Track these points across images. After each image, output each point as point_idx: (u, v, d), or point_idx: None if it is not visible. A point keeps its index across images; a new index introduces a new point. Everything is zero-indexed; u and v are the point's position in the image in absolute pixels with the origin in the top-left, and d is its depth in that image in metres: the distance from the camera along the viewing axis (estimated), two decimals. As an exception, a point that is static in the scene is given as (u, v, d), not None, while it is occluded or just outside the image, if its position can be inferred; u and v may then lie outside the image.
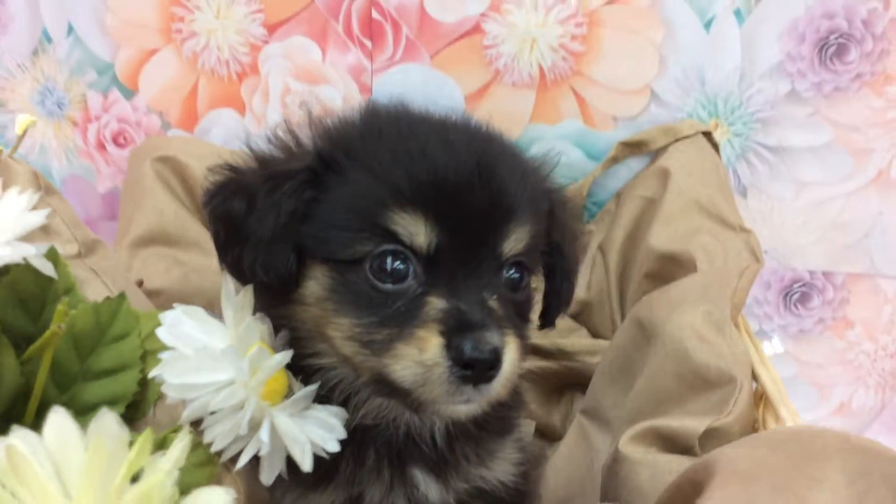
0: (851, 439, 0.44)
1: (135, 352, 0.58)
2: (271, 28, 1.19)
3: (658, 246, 0.95)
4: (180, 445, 0.44)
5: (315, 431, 0.58)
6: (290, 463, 0.61)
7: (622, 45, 1.14)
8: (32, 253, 0.54)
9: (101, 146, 1.26)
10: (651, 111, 1.15)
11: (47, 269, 0.57)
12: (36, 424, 0.41)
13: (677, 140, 1.09)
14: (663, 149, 1.09)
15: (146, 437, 0.43)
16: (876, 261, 1.16)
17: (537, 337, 1.03)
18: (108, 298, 0.58)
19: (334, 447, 0.58)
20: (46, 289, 0.58)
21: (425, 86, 1.19)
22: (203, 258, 0.97)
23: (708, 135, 1.09)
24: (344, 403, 0.61)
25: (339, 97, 1.20)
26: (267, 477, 0.59)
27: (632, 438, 0.71)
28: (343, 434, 0.59)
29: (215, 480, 0.61)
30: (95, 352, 0.57)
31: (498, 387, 0.56)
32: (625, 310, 1.01)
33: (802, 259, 1.18)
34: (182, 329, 0.56)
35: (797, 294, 1.18)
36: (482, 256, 0.59)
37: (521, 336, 0.61)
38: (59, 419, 0.42)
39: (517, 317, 0.62)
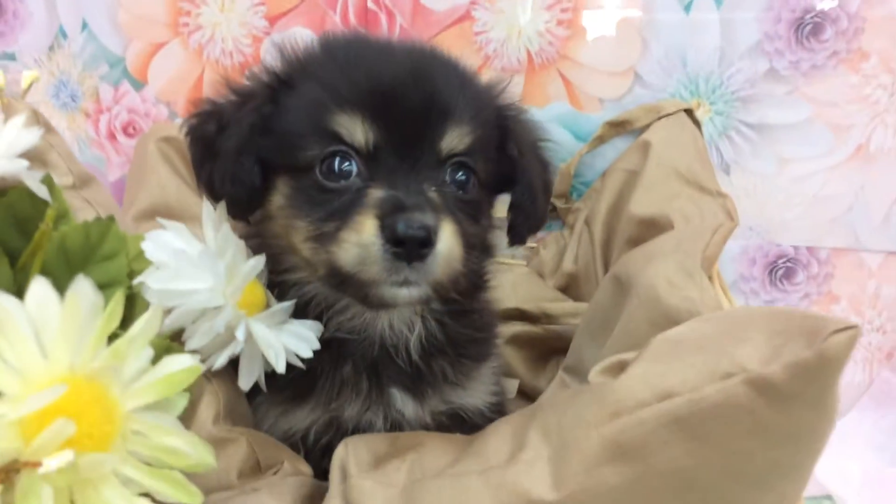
0: (776, 309, 0.47)
1: (122, 270, 0.61)
2: (272, 20, 1.23)
3: (638, 212, 0.97)
4: (151, 313, 0.47)
5: (290, 340, 0.61)
6: (270, 380, 0.65)
7: (606, 29, 1.15)
8: (26, 166, 0.58)
9: (112, 136, 1.31)
10: (635, 92, 1.17)
11: (42, 192, 0.61)
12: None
13: (660, 118, 1.10)
14: (647, 127, 1.11)
15: (118, 300, 0.46)
16: (859, 235, 1.16)
17: (522, 302, 1.05)
18: (98, 219, 0.61)
19: (307, 353, 0.61)
20: (41, 211, 0.61)
21: None
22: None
23: (689, 112, 1.10)
24: (318, 318, 0.64)
25: None
26: (245, 382, 0.62)
27: (600, 371, 0.72)
28: (316, 344, 0.62)
29: (196, 391, 0.65)
30: (85, 269, 0.60)
31: (434, 267, 0.58)
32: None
33: (786, 234, 1.17)
34: (165, 240, 0.60)
35: (782, 269, 1.18)
36: (420, 153, 0.62)
37: (465, 230, 0.63)
38: (39, 287, 0.46)
39: (464, 215, 0.65)
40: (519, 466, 0.47)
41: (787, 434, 0.42)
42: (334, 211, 0.61)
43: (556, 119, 1.19)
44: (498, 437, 0.53)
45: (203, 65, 1.25)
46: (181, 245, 0.60)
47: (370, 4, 1.19)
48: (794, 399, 0.41)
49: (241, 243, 0.63)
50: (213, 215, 0.63)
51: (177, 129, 1.15)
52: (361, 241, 0.57)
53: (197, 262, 0.58)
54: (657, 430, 0.43)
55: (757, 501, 0.45)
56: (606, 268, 1.05)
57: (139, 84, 1.28)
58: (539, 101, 1.19)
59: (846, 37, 1.10)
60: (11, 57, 1.30)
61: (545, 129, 0.81)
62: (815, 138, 1.15)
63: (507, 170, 0.71)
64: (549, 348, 1.02)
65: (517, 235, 0.76)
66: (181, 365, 0.47)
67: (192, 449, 0.45)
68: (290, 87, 0.65)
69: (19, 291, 0.57)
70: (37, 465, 0.40)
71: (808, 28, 1.10)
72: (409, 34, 1.19)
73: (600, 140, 1.16)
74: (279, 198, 0.64)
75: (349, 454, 0.56)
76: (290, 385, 0.66)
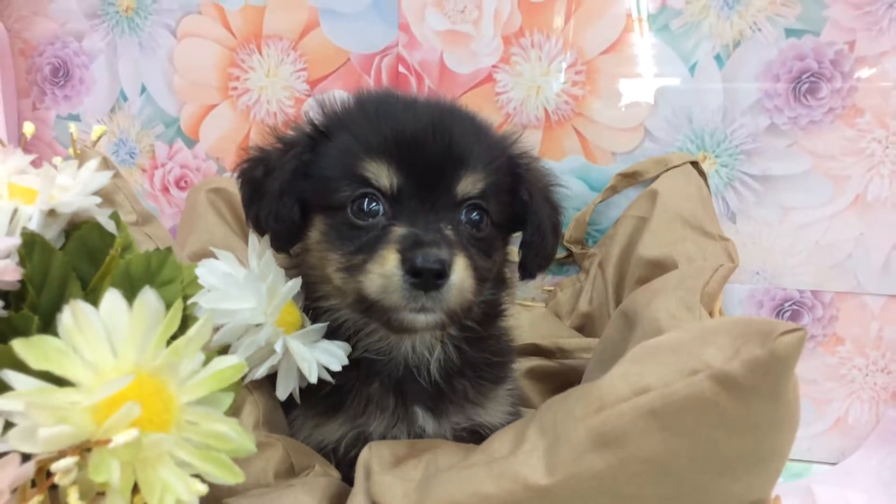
0: (740, 318, 0.52)
1: (177, 293, 0.68)
2: (313, 83, 1.32)
3: (646, 254, 1.03)
4: (204, 319, 0.54)
5: (322, 356, 0.68)
6: (305, 396, 0.71)
7: (617, 88, 1.22)
8: (98, 202, 0.66)
9: (166, 189, 1.41)
10: (645, 146, 1.22)
11: (110, 226, 0.69)
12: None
13: (668, 169, 1.16)
14: (655, 177, 1.16)
15: (177, 308, 0.53)
16: (861, 279, 1.18)
17: (539, 338, 1.11)
18: (157, 249, 0.69)
19: (337, 367, 0.68)
20: (108, 243, 0.69)
21: None
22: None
23: (695, 164, 1.16)
24: (348, 340, 0.71)
25: None
26: (282, 392, 0.68)
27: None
28: (345, 360, 0.69)
29: (239, 400, 0.71)
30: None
31: (448, 296, 0.64)
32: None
33: (791, 279, 1.20)
34: (215, 266, 0.67)
35: (788, 312, 1.21)
36: (438, 196, 0.68)
37: (478, 264, 0.69)
38: (111, 297, 0.53)
39: (477, 251, 0.70)
40: (519, 457, 0.53)
41: (748, 424, 0.47)
42: (363, 245, 0.67)
43: (572, 171, 1.25)
44: (503, 436, 0.59)
45: (250, 124, 1.35)
46: (229, 270, 0.67)
47: (401, 69, 1.28)
48: (752, 392, 0.46)
49: (281, 271, 0.70)
50: (257, 245, 0.71)
51: (225, 181, 1.25)
52: (385, 272, 0.63)
53: (242, 284, 0.65)
54: (635, 421, 0.48)
55: (725, 490, 0.50)
56: (617, 306, 1.10)
57: (191, 142, 1.38)
58: (556, 155, 1.26)
59: (841, 94, 1.15)
60: (76, 118, 1.42)
61: (556, 176, 0.85)
62: (815, 188, 1.18)
63: (519, 211, 0.77)
64: (564, 381, 1.07)
65: (528, 271, 0.80)
66: (228, 363, 0.54)
67: (236, 435, 0.51)
68: (327, 138, 0.73)
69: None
70: (107, 442, 0.47)
71: (805, 86, 1.16)
72: (437, 94, 1.27)
73: (613, 190, 1.22)
74: (316, 233, 0.71)
75: (372, 456, 0.62)
76: (323, 401, 0.72)
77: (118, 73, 1.38)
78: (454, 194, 0.70)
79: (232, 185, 1.21)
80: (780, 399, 0.47)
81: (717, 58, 1.19)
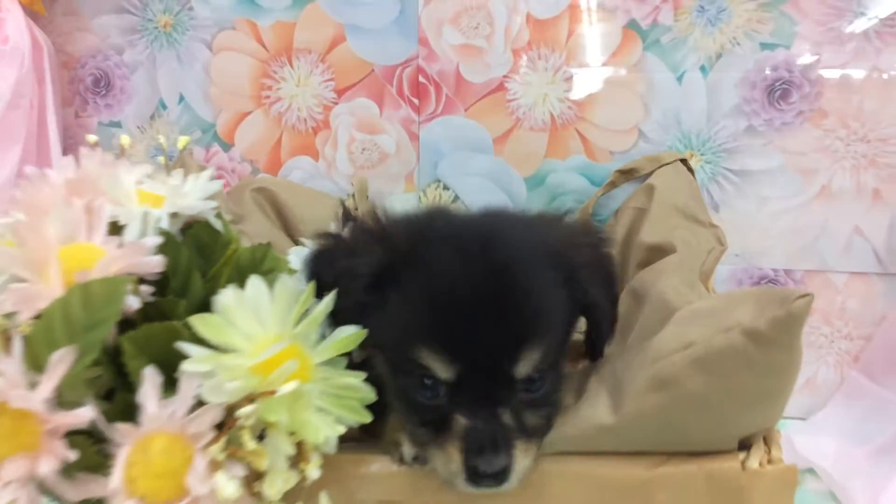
0: (761, 288, 0.64)
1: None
2: (340, 92, 1.40)
3: (647, 241, 1.13)
4: (327, 299, 0.65)
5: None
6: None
7: (614, 96, 1.33)
8: (214, 206, 0.76)
9: (203, 189, 1.49)
10: (640, 146, 1.33)
11: (218, 225, 0.79)
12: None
13: (661, 166, 1.27)
14: (650, 173, 1.28)
15: (310, 291, 0.64)
16: (826, 259, 1.30)
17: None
18: (259, 244, 0.79)
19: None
20: (216, 239, 0.73)
21: (461, 132, 1.37)
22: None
23: (684, 161, 1.27)
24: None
25: (394, 144, 1.40)
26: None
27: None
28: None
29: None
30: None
31: (514, 481, 0.62)
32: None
33: (767, 259, 1.32)
34: (304, 251, 0.78)
35: None
36: (497, 380, 0.64)
37: (539, 428, 0.66)
38: (255, 281, 0.63)
39: (539, 410, 0.66)
40: (587, 404, 0.65)
41: (769, 368, 0.59)
42: (426, 423, 0.65)
43: (575, 169, 1.36)
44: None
45: (281, 130, 1.44)
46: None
47: (421, 79, 1.38)
48: (773, 343, 0.58)
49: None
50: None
51: (266, 181, 1.33)
52: (450, 469, 0.62)
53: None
54: (684, 368, 0.60)
55: (749, 419, 0.62)
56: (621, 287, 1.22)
57: (227, 146, 1.46)
58: (561, 155, 1.35)
59: (809, 99, 1.27)
60: (118, 125, 1.49)
61: (606, 245, 0.80)
62: (787, 181, 1.30)
63: (578, 307, 0.72)
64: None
65: (596, 351, 0.77)
66: (348, 332, 0.64)
67: (362, 384, 0.62)
68: (391, 284, 0.67)
69: (207, 297, 0.73)
70: (272, 392, 0.57)
71: (778, 93, 1.28)
72: (453, 102, 1.37)
73: (612, 185, 1.33)
74: (380, 363, 0.68)
75: None
76: None
77: (157, 84, 1.46)
78: (511, 376, 0.65)
79: (273, 185, 1.30)
80: (793, 348, 0.59)
81: (702, 68, 1.30)
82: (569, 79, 1.34)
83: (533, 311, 0.66)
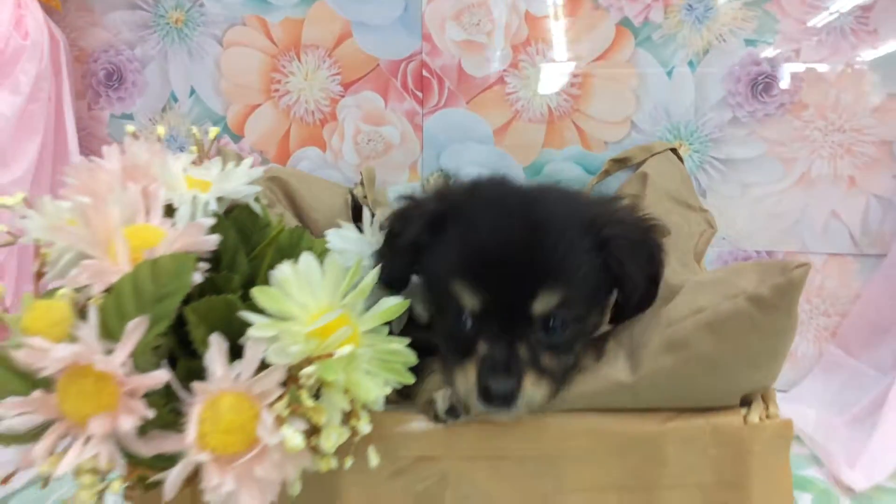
0: (763, 260, 0.70)
1: (314, 259, 0.84)
2: (346, 86, 1.44)
3: None
4: (372, 273, 0.70)
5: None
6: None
7: (608, 89, 1.38)
8: (258, 190, 0.81)
9: (214, 179, 1.53)
10: (632, 136, 1.38)
11: (257, 208, 0.84)
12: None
13: (652, 155, 1.32)
14: (642, 162, 1.33)
15: (357, 267, 0.69)
16: (805, 241, 1.36)
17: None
18: (297, 226, 0.85)
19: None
20: (255, 222, 0.78)
21: (463, 124, 1.41)
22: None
23: (674, 150, 1.33)
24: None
25: (398, 135, 1.45)
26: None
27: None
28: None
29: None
30: (292, 258, 0.83)
31: (522, 409, 0.68)
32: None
33: (750, 242, 1.38)
34: (342, 234, 0.83)
35: None
36: (516, 316, 0.70)
37: (552, 367, 0.70)
38: (307, 257, 0.68)
39: (555, 355, 0.71)
40: (606, 364, 0.71)
41: (771, 330, 0.66)
42: (456, 348, 0.72)
43: (571, 158, 1.41)
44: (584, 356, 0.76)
45: (290, 121, 1.48)
46: (350, 235, 0.84)
47: (424, 73, 1.42)
48: (775, 308, 0.64)
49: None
50: (370, 220, 0.86)
51: (278, 171, 1.37)
52: (467, 387, 0.69)
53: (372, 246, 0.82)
54: (694, 332, 0.66)
55: (751, 377, 0.69)
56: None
57: (237, 137, 1.49)
58: (558, 145, 1.41)
59: (789, 92, 1.33)
60: (129, 117, 1.52)
61: (650, 228, 0.82)
62: (769, 169, 1.36)
63: (614, 277, 0.75)
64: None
65: (621, 318, 0.79)
66: (392, 303, 0.70)
67: (405, 349, 0.68)
68: (439, 231, 0.75)
69: (253, 275, 0.78)
70: (329, 356, 0.62)
71: (761, 86, 1.34)
72: (455, 95, 1.42)
73: (606, 173, 1.38)
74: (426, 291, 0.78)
75: None
76: None
77: (169, 78, 1.49)
78: (530, 313, 0.70)
79: (285, 174, 1.34)
80: (791, 312, 0.65)
81: (690, 63, 1.36)
82: (565, 73, 1.40)
83: (555, 261, 0.71)
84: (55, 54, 1.38)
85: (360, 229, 0.90)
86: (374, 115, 1.45)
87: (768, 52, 1.34)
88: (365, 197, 1.35)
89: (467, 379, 0.69)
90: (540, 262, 0.71)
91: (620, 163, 1.38)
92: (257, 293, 0.64)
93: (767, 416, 0.71)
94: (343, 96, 1.45)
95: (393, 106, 1.44)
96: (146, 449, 0.62)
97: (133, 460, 0.62)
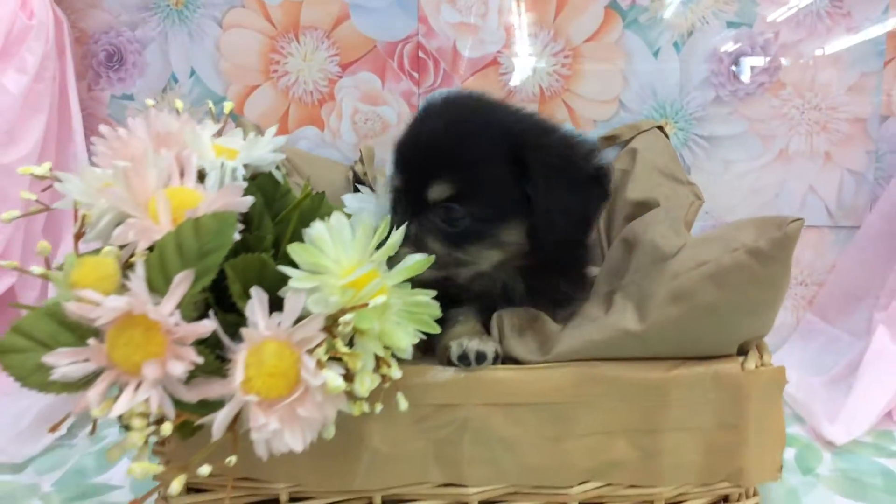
0: (760, 217, 0.75)
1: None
2: (344, 66, 1.46)
3: (632, 197, 1.23)
4: (399, 232, 0.74)
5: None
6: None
7: (597, 69, 1.42)
8: (283, 157, 0.84)
9: (215, 158, 1.55)
10: (620, 115, 1.43)
11: (279, 176, 0.87)
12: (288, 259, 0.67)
13: (640, 133, 1.36)
14: (630, 139, 1.37)
15: (385, 226, 0.73)
16: (784, 214, 1.39)
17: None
18: (317, 193, 0.87)
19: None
20: (277, 188, 0.81)
21: None
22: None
23: (660, 128, 1.37)
24: None
25: (395, 115, 1.48)
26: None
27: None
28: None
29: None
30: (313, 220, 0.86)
31: (408, 245, 0.78)
32: (611, 245, 1.31)
33: (733, 215, 1.43)
34: (359, 197, 0.87)
35: None
36: (416, 198, 0.83)
37: (439, 256, 0.77)
38: (338, 216, 0.72)
39: (448, 241, 0.82)
40: (615, 314, 0.75)
41: (768, 281, 0.71)
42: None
43: (562, 136, 1.46)
44: (592, 307, 0.81)
45: (289, 102, 1.49)
46: (365, 196, 0.88)
47: (420, 54, 1.45)
48: (772, 259, 0.69)
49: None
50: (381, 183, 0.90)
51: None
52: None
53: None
54: (698, 282, 0.71)
55: (750, 325, 0.74)
56: (609, 240, 1.33)
57: (237, 117, 1.49)
58: (549, 123, 1.46)
59: (769, 72, 1.39)
60: (130, 97, 1.52)
61: (588, 160, 0.87)
62: (749, 146, 1.42)
63: (524, 199, 0.81)
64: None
65: (537, 252, 0.84)
66: (415, 260, 0.73)
67: (431, 301, 0.72)
68: None
69: (278, 237, 0.81)
70: (363, 306, 0.66)
71: (741, 67, 1.40)
72: (450, 76, 1.45)
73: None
74: None
75: (504, 321, 0.81)
76: None
77: (169, 59, 1.50)
78: (425, 198, 0.82)
79: (287, 151, 1.36)
80: (786, 264, 0.71)
81: (675, 44, 1.41)
82: (556, 54, 1.44)
83: (453, 158, 0.81)
84: (59, 34, 1.39)
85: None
86: (372, 95, 1.47)
87: (748, 34, 1.40)
88: (365, 174, 1.38)
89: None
90: (440, 156, 0.82)
91: (609, 140, 1.42)
92: (295, 248, 0.67)
93: (762, 364, 0.76)
94: (341, 77, 1.48)
95: (390, 86, 1.47)
96: (191, 395, 0.65)
97: (178, 406, 0.65)
